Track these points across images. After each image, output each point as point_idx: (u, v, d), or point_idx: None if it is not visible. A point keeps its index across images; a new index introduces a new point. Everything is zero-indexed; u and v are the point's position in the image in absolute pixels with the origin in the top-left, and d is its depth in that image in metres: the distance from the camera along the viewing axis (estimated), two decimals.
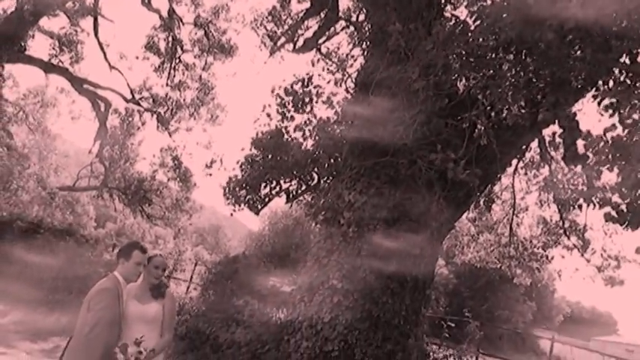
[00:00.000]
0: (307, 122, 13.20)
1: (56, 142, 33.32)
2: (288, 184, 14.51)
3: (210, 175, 15.00)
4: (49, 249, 19.25)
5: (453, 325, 9.34)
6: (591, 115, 17.40)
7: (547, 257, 17.37)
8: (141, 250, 5.81)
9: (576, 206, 11.93)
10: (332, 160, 12.82)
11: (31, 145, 31.63)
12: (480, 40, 7.96)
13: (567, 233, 15.74)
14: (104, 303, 5.45)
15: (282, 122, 13.49)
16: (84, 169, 34.08)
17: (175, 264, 16.59)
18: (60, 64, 28.65)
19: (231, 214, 15.20)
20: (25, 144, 31.34)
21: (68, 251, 18.40)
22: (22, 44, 25.51)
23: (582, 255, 15.39)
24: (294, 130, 13.49)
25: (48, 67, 28.20)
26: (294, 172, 13.73)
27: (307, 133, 13.23)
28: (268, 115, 13.69)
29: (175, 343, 11.62)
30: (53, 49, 28.57)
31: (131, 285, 5.87)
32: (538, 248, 17.41)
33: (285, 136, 13.51)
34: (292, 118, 13.29)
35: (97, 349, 5.34)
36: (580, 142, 8.93)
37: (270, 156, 13.87)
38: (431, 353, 8.86)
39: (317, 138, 13.20)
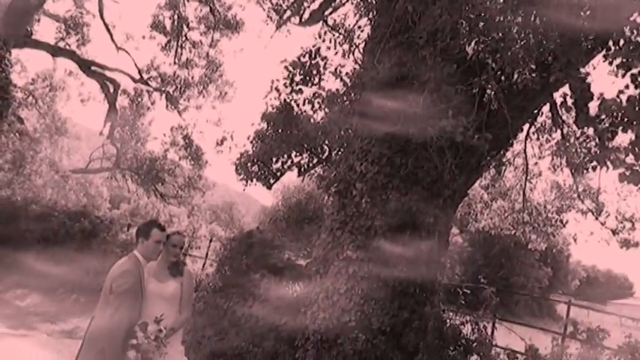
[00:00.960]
0: (316, 95, 13.17)
1: (67, 125, 33.35)
2: (299, 157, 14.54)
3: (221, 152, 15.05)
4: (65, 231, 19.41)
5: (468, 292, 9.34)
6: (605, 78, 17.24)
7: (561, 222, 17.34)
8: (159, 228, 5.84)
9: (590, 169, 11.88)
10: (342, 132, 12.80)
11: (41, 129, 31.67)
12: (488, 2, 7.87)
13: (581, 197, 15.68)
14: (127, 285, 5.50)
15: (291, 96, 13.46)
16: (96, 151, 34.21)
17: (190, 241, 16.66)
18: (67, 47, 28.63)
19: (244, 190, 15.27)
20: (36, 128, 31.40)
21: (84, 233, 18.54)
22: (29, 28, 25.48)
23: (597, 218, 15.34)
24: (304, 103, 13.47)
25: (55, 51, 28.19)
26: (305, 146, 13.76)
27: (317, 106, 13.21)
28: (277, 90, 13.66)
29: (194, 319, 11.71)
30: (59, 32, 28.53)
31: (150, 263, 5.91)
32: (552, 213, 17.37)
33: (295, 110, 13.50)
34: (301, 91, 13.25)
35: (120, 330, 5.40)
36: (592, 105, 8.88)
37: (280, 130, 13.88)
38: (447, 320, 8.87)
39: (326, 110, 13.18)
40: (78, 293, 16.32)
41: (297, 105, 13.73)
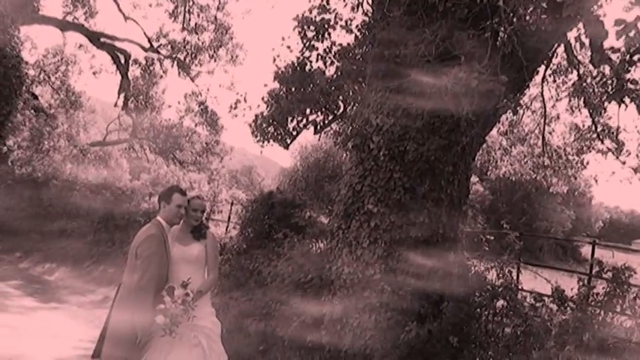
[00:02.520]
0: (328, 50, 13.07)
1: (81, 99, 33.47)
2: (315, 115, 14.49)
3: (236, 115, 15.04)
4: (87, 204, 19.62)
5: (492, 238, 9.33)
6: (619, 14, 16.87)
7: (582, 163, 17.21)
8: (180, 193, 5.90)
9: (608, 105, 11.72)
10: (356, 87, 12.73)
11: (56, 104, 31.81)
12: None
13: (600, 137, 15.50)
14: (152, 249, 5.56)
15: (303, 53, 13.36)
16: (112, 123, 34.39)
17: (212, 206, 16.76)
18: (75, 20, 28.59)
19: (261, 152, 15.31)
20: (51, 104, 31.55)
21: (106, 204, 18.74)
22: (35, 5, 25.41)
23: (617, 158, 15.19)
24: (316, 60, 13.37)
25: (63, 25, 28.16)
26: (320, 103, 13.69)
27: (329, 61, 13.12)
28: (288, 48, 13.56)
29: (221, 282, 11.87)
30: (66, 6, 28.46)
31: (174, 228, 5.97)
32: (572, 155, 17.24)
33: (308, 67, 13.41)
34: (314, 47, 13.15)
35: (148, 295, 5.48)
36: (605, 44, 8.72)
37: (293, 89, 13.82)
38: (472, 267, 8.89)
39: (339, 65, 13.08)
40: (105, 264, 16.58)
41: (310, 62, 13.64)
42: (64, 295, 14.52)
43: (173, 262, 5.84)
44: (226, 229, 16.09)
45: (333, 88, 13.25)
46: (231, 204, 17.30)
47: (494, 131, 16.05)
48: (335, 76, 13.28)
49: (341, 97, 13.70)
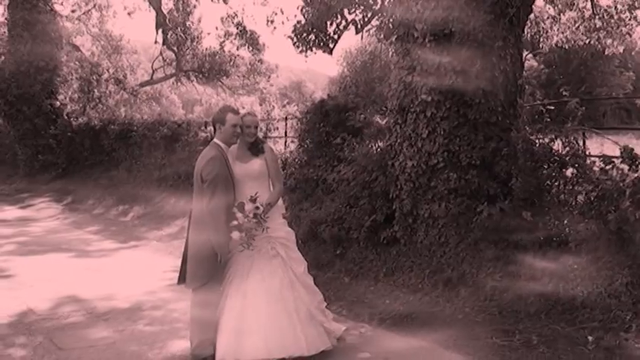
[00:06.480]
0: None
1: (121, 42, 33.69)
2: (353, 14, 14.16)
3: (275, 28, 14.85)
4: (147, 142, 20.00)
5: (552, 108, 9.07)
6: None
7: (635, 19, 16.49)
8: (233, 112, 5.95)
9: None
10: None
11: (98, 51, 32.14)
12: None
13: None
14: (215, 170, 5.66)
15: None
16: (156, 61, 34.61)
17: (268, 124, 16.81)
18: None
19: (305, 61, 15.19)
20: (94, 52, 31.89)
21: (165, 139, 19.04)
22: None
23: None
24: None
25: None
26: (357, 0, 13.34)
27: None
28: None
29: (288, 196, 12.09)
30: None
31: (232, 148, 6.05)
32: (624, 12, 16.49)
33: None
34: None
35: (220, 215, 5.62)
36: None
37: None
38: (536, 140, 8.71)
39: None
40: (175, 197, 17.00)
41: None
42: (141, 233, 15.03)
43: (237, 180, 5.95)
44: (285, 145, 16.19)
45: None
46: (286, 119, 17.33)
47: (539, 0, 15.43)
48: None
49: None
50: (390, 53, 12.08)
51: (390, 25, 9.96)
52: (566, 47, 19.39)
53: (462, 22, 8.80)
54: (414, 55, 9.19)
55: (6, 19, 25.87)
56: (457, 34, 8.83)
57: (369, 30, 15.48)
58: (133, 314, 7.83)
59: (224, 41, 31.27)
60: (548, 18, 17.71)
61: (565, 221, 8.23)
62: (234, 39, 30.69)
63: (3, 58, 26.17)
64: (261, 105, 35.48)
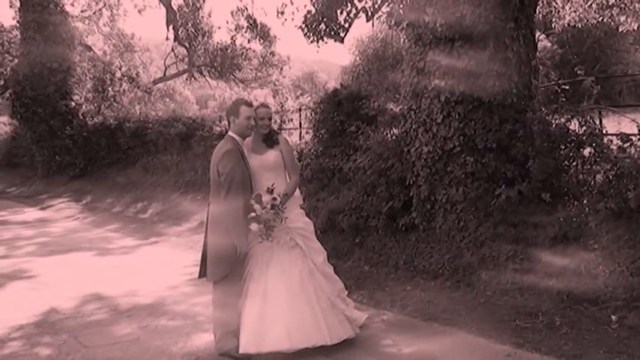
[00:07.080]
0: None
1: (133, 40, 33.81)
2: (363, 2, 14.11)
3: (285, 20, 14.85)
4: (162, 139, 20.06)
5: (567, 87, 8.97)
6: None
7: None
8: (246, 105, 5.97)
9: None
10: None
11: (110, 50, 32.26)
12: None
13: None
14: (231, 163, 5.69)
15: None
16: (168, 57, 34.70)
17: (282, 116, 16.80)
18: None
19: (317, 51, 15.15)
20: (105, 51, 32.02)
21: (180, 135, 19.08)
22: None
23: None
24: None
25: None
26: None
27: None
28: None
29: (305, 187, 12.08)
30: None
31: (247, 140, 6.07)
32: None
33: None
34: None
35: (238, 208, 5.66)
36: None
37: None
38: (552, 121, 8.63)
39: None
40: (192, 192, 17.08)
41: None
42: (161, 229, 15.11)
43: (253, 172, 5.98)
44: (300, 136, 16.18)
45: None
46: (299, 110, 17.30)
47: None
48: None
49: None
50: (402, 39, 12.01)
51: (401, 10, 9.88)
52: (579, 26, 19.14)
53: (473, 3, 8.73)
54: (426, 40, 9.16)
55: (18, 21, 26.01)
56: (468, 17, 8.76)
57: (379, 17, 15.41)
58: (156, 310, 7.89)
59: (235, 35, 31.32)
60: None
61: (584, 201, 8.18)
62: (245, 32, 30.71)
63: (16, 60, 26.38)
64: (274, 97, 35.51)
